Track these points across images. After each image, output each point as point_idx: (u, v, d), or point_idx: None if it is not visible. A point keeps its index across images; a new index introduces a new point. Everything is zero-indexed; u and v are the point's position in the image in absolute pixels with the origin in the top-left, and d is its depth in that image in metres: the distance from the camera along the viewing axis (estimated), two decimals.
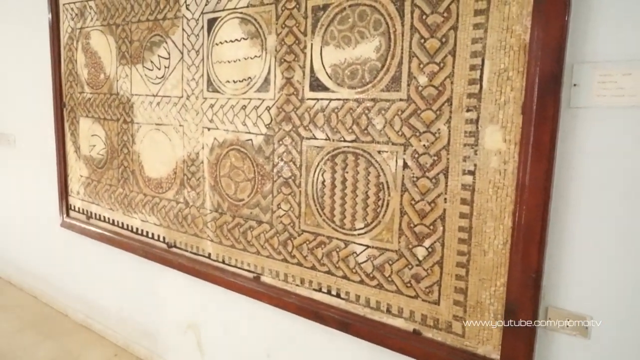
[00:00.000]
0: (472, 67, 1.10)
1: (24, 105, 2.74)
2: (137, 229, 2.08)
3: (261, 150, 1.55)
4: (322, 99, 1.37)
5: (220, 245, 1.73)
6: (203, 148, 1.74)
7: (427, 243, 1.23)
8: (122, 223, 2.15)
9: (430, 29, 1.15)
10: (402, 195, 1.25)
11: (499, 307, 1.13)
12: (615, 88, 0.97)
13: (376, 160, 1.29)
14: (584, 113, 1.01)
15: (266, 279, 1.60)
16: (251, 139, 1.57)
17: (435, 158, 1.18)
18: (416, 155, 1.21)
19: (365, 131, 1.30)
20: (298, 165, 1.45)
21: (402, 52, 1.20)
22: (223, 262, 1.73)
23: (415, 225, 1.24)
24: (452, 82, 1.13)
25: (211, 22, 1.64)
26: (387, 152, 1.26)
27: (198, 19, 1.68)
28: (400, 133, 1.23)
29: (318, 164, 1.40)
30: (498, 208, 1.11)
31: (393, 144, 1.25)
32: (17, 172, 2.91)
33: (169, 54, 1.80)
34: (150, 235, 2.02)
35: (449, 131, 1.15)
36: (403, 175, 1.24)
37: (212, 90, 1.67)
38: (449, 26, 1.12)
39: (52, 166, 2.51)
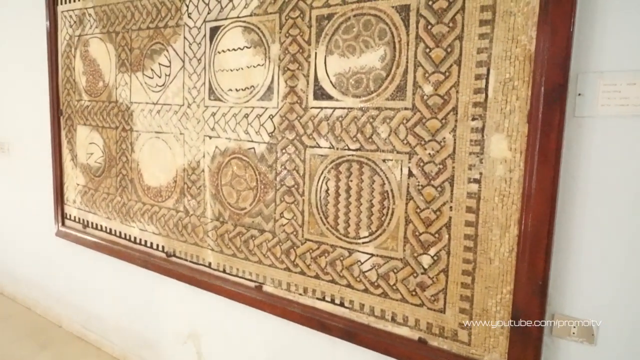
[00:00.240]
0: (478, 77, 1.11)
1: (20, 113, 2.71)
2: (135, 238, 2.06)
3: (264, 158, 1.54)
4: (326, 108, 1.38)
5: (221, 255, 1.72)
6: (204, 156, 1.73)
7: (432, 251, 1.23)
8: (120, 232, 2.13)
9: (435, 38, 1.16)
10: (407, 204, 1.25)
11: (505, 315, 1.13)
12: (619, 98, 0.98)
13: (381, 169, 1.29)
14: (589, 122, 1.02)
15: (268, 288, 1.59)
16: (254, 148, 1.57)
17: (441, 166, 1.19)
18: (421, 164, 1.22)
19: (370, 140, 1.30)
20: (301, 174, 1.45)
21: (407, 62, 1.21)
22: (224, 271, 1.72)
23: (421, 234, 1.24)
24: (457, 91, 1.14)
25: (213, 31, 1.64)
26: (392, 160, 1.27)
27: (200, 27, 1.68)
28: (405, 141, 1.24)
29: (322, 172, 1.41)
30: (504, 216, 1.11)
31: (398, 152, 1.25)
32: (11, 181, 2.87)
33: (170, 62, 1.80)
34: (149, 245, 2.00)
35: (455, 140, 1.16)
36: (408, 184, 1.25)
37: (214, 98, 1.67)
38: (454, 36, 1.14)
39: (48, 174, 2.48)
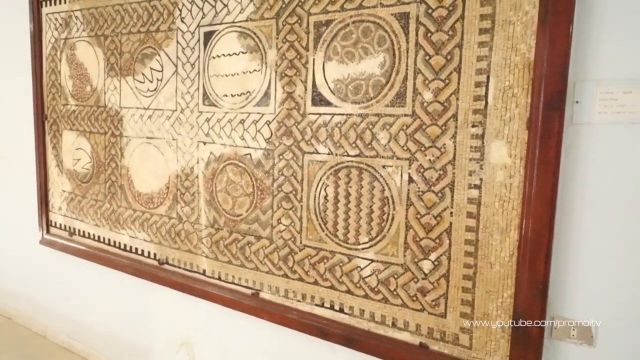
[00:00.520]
0: (478, 84, 1.13)
1: (3, 117, 2.63)
2: (125, 245, 2.02)
3: (260, 164, 1.53)
4: (324, 114, 1.38)
5: (216, 262, 1.70)
6: (198, 162, 1.71)
7: (433, 256, 1.24)
8: (109, 239, 2.08)
9: (435, 46, 1.18)
10: (407, 209, 1.26)
11: (506, 318, 1.15)
12: (616, 105, 1.01)
13: (381, 175, 1.30)
14: (586, 129, 1.05)
15: (265, 295, 1.58)
16: (250, 153, 1.55)
17: (441, 172, 1.20)
18: (422, 170, 1.23)
19: (370, 146, 1.30)
20: (299, 180, 1.45)
21: (407, 69, 1.22)
22: (219, 278, 1.70)
23: (421, 239, 1.25)
24: (457, 98, 1.16)
25: (208, 35, 1.62)
26: (392, 166, 1.27)
27: (194, 32, 1.66)
28: (405, 148, 1.25)
29: (320, 178, 1.40)
30: (504, 221, 1.13)
31: (398, 158, 1.26)
32: None
33: (162, 66, 1.77)
34: (140, 252, 1.96)
35: (455, 146, 1.17)
36: (408, 190, 1.25)
37: (208, 103, 1.65)
38: (454, 44, 1.15)
39: (32, 181, 2.41)
